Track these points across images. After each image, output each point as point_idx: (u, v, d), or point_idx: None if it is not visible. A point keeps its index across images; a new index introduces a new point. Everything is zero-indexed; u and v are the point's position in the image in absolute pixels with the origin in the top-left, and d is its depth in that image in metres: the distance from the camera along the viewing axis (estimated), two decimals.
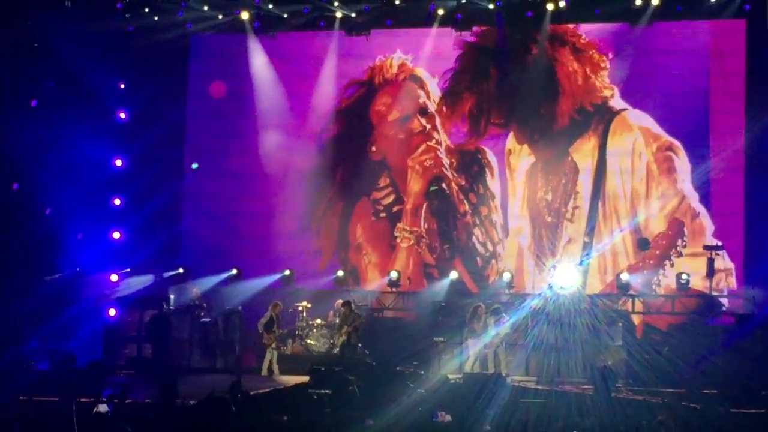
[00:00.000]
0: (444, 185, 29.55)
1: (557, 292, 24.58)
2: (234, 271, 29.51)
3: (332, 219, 30.43)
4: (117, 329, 28.37)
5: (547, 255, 28.45)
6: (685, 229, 27.65)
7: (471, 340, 25.83)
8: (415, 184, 29.69)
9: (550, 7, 28.39)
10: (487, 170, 29.35)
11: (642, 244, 27.69)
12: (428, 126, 29.73)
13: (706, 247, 26.64)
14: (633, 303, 26.91)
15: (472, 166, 29.37)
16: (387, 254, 29.93)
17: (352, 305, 26.97)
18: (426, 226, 29.50)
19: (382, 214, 30.00)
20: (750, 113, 27.38)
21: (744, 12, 27.58)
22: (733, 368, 23.12)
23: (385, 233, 29.94)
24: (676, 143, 27.90)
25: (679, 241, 27.62)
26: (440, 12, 29.26)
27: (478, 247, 29.23)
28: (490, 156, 29.40)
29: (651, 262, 27.82)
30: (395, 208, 29.86)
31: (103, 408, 16.58)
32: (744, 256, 27.43)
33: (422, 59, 30.15)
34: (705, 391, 22.03)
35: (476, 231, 29.18)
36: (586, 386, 22.65)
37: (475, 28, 29.42)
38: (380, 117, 30.15)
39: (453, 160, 29.43)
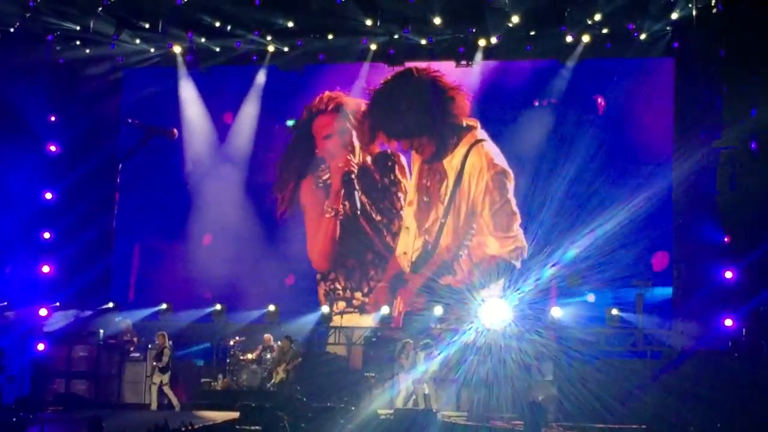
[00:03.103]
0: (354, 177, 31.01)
1: (487, 327, 24.75)
2: (164, 306, 29.42)
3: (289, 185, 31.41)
4: (45, 364, 28.05)
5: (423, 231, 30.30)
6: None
7: (402, 374, 25.85)
8: (335, 176, 30.95)
9: (482, 43, 28.63)
10: (396, 168, 31.06)
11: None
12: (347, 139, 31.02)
13: (636, 283, 26.85)
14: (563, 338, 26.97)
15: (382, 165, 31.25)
16: (320, 214, 31.18)
17: (291, 341, 27.01)
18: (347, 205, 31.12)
19: (321, 185, 31.30)
20: (678, 150, 27.65)
21: (672, 50, 27.88)
22: (661, 404, 23.31)
23: (321, 199, 31.27)
24: (508, 170, 29.40)
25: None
26: (373, 47, 29.44)
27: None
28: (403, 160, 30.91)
29: None
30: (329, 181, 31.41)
31: None
32: (674, 292, 27.66)
33: (355, 90, 30.66)
34: (633, 426, 22.21)
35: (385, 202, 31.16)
36: (516, 421, 22.72)
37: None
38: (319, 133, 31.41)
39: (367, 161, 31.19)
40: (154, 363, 27.00)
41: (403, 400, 25.55)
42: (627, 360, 25.62)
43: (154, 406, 26.80)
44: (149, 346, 27.94)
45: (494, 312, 25.13)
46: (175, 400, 26.80)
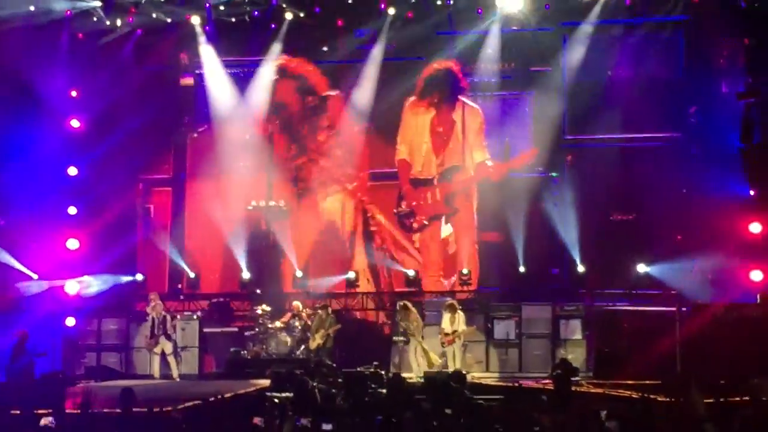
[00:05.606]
0: None
1: None
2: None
3: None
4: (76, 339, 28.18)
5: None
6: None
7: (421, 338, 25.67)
8: None
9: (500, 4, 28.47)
10: None
11: None
12: None
13: None
14: None
15: None
16: None
17: (329, 309, 27.05)
18: None
19: None
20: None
21: (691, 4, 27.51)
22: None
23: None
24: None
25: None
26: (391, 11, 29.37)
27: None
28: None
29: None
30: None
31: (47, 420, 16.24)
32: None
33: None
34: None
35: None
36: (545, 380, 22.73)
37: None
38: None
39: None
40: (155, 331, 27.07)
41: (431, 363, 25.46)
42: None
43: (157, 374, 26.92)
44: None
45: None
46: (175, 372, 26.96)
